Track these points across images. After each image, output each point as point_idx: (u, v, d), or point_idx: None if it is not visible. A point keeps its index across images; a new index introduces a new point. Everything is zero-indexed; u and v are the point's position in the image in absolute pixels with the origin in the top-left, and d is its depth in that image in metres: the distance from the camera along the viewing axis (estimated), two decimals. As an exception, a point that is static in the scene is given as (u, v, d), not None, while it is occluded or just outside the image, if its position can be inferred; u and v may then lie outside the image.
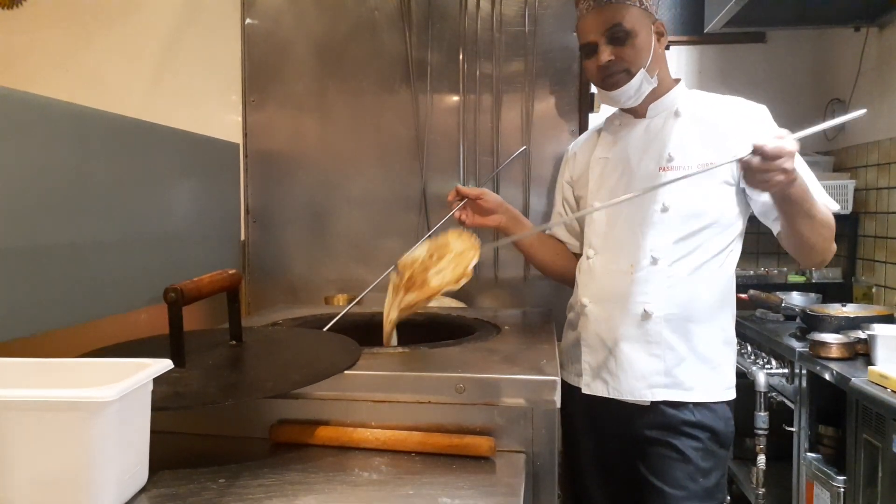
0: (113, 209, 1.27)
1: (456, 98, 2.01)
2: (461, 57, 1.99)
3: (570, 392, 1.53)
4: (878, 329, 2.03)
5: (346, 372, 1.07)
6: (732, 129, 1.42)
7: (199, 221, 1.60)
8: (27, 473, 0.80)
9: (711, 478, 1.43)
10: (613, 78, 1.43)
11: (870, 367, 1.91)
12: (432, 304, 1.88)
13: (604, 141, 1.58)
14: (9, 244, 1.03)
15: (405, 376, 1.10)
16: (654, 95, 1.49)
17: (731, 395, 1.47)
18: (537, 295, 1.98)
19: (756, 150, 1.16)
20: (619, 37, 1.41)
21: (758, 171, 1.17)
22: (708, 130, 1.44)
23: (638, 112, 1.52)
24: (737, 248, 1.49)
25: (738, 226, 1.47)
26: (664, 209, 1.42)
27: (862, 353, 2.11)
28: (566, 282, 1.66)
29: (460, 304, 1.89)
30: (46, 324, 1.10)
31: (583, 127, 1.99)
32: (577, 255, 1.62)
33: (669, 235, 1.43)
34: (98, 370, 0.91)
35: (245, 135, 2.06)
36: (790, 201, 1.30)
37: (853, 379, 1.92)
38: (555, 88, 1.99)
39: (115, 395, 0.79)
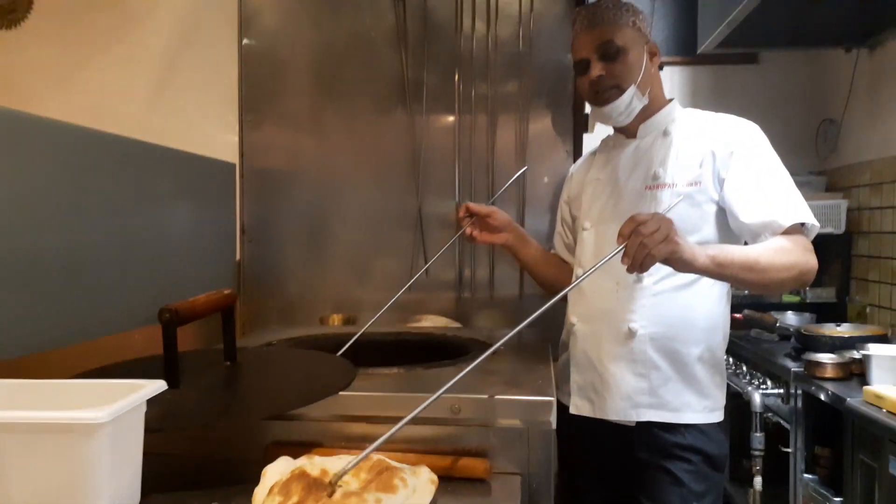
0: (109, 229, 1.27)
1: (452, 118, 2.02)
2: (457, 77, 2.01)
3: (564, 412, 1.51)
4: (873, 349, 2.03)
5: (340, 393, 1.07)
6: (719, 143, 1.42)
7: (194, 241, 1.60)
8: (20, 495, 0.79)
9: (705, 501, 1.42)
10: (604, 94, 1.45)
11: (865, 388, 1.91)
12: (427, 323, 1.89)
13: (597, 162, 1.60)
14: (4, 264, 1.03)
15: (400, 397, 1.09)
16: (645, 115, 1.50)
17: (717, 417, 1.45)
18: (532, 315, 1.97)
19: (624, 232, 1.18)
20: (611, 53, 1.43)
21: (637, 249, 1.17)
22: (695, 148, 1.44)
23: (629, 132, 1.53)
24: None
25: (724, 242, 1.43)
26: None
27: (857, 373, 2.10)
28: None
29: (455, 324, 1.89)
30: (41, 344, 1.09)
31: (577, 147, 2.01)
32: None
33: None
34: (91, 391, 0.91)
35: (241, 154, 2.06)
36: (719, 264, 1.26)
37: (848, 399, 1.92)
38: (550, 108, 2.00)
39: (108, 416, 0.79)
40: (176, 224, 1.53)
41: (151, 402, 0.89)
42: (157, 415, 0.92)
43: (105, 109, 2.27)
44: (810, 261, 1.34)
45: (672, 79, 3.39)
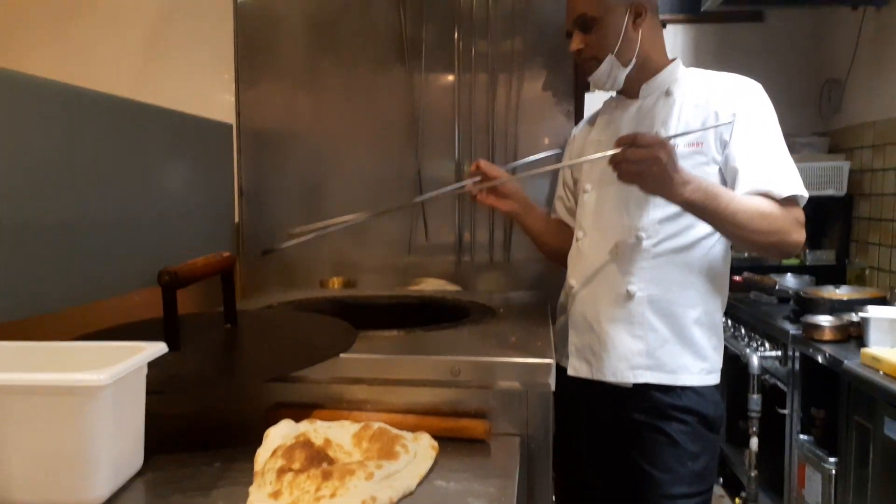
0: (104, 190, 1.26)
1: (451, 76, 1.99)
2: (456, 35, 1.97)
3: (563, 375, 1.52)
4: (872, 311, 2.04)
5: (341, 355, 1.07)
6: (722, 104, 1.41)
7: (192, 203, 1.59)
8: (22, 457, 0.80)
9: (700, 461, 1.44)
10: (584, 64, 1.49)
11: (862, 350, 1.92)
12: (427, 286, 1.89)
13: (599, 123, 1.59)
14: (-1, 226, 1.02)
15: (401, 359, 1.10)
16: (646, 76, 1.49)
17: (713, 379, 1.46)
18: (532, 277, 1.97)
19: (623, 141, 1.21)
20: (585, 25, 1.45)
21: (630, 161, 1.19)
22: (697, 107, 1.44)
23: (631, 93, 1.52)
24: None
25: None
26: None
27: (855, 335, 2.12)
28: None
29: (455, 287, 1.89)
30: (39, 307, 1.09)
31: (579, 107, 1.98)
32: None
33: (655, 214, 1.42)
34: (92, 354, 0.91)
35: (238, 114, 2.03)
36: (696, 207, 1.28)
37: (846, 361, 1.93)
38: (551, 67, 1.97)
39: (110, 378, 0.79)
40: (173, 185, 1.51)
41: (152, 365, 0.89)
42: (159, 377, 0.92)
43: (97, 68, 2.23)
44: (793, 234, 1.35)
45: (675, 37, 3.33)
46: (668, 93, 1.48)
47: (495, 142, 1.98)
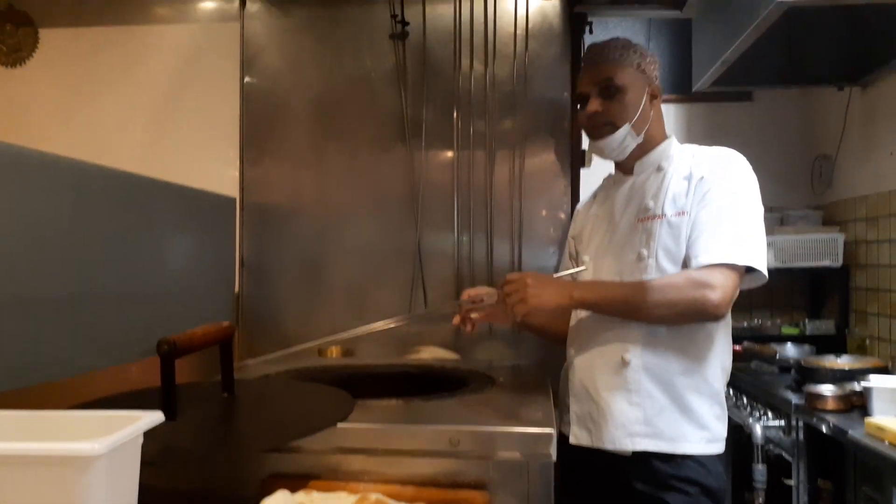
0: (109, 262, 1.28)
1: (450, 154, 2.05)
2: (455, 115, 2.04)
3: (565, 443, 1.51)
4: (874, 381, 2.02)
5: (339, 425, 1.06)
6: (708, 175, 1.45)
7: (194, 274, 1.60)
8: (12, 529, 0.78)
9: None
10: (599, 129, 1.51)
11: (866, 420, 1.89)
12: (426, 354, 1.88)
13: (598, 199, 1.66)
14: (3, 296, 1.03)
15: (399, 429, 1.09)
16: (642, 152, 1.54)
17: (715, 448, 1.44)
18: (532, 347, 1.97)
19: (499, 286, 1.39)
20: (609, 91, 1.49)
21: (509, 295, 1.36)
22: (682, 179, 1.48)
23: (626, 169, 1.58)
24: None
25: None
26: (640, 258, 1.46)
27: (858, 405, 2.09)
28: None
29: (453, 356, 1.89)
30: (39, 376, 1.09)
31: (575, 181, 2.03)
32: None
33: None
34: (88, 423, 0.90)
35: (242, 189, 2.08)
36: (587, 304, 1.42)
37: (850, 431, 1.90)
38: (548, 144, 2.03)
39: (105, 448, 0.78)
40: (176, 257, 1.53)
41: (148, 435, 0.88)
42: (155, 447, 0.91)
43: (107, 145, 2.30)
44: (698, 297, 1.35)
45: (667, 115, 3.41)
46: (659, 168, 1.53)
47: (493, 215, 2.02)
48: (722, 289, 1.35)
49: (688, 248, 1.42)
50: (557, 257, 1.96)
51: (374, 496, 0.94)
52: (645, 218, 1.48)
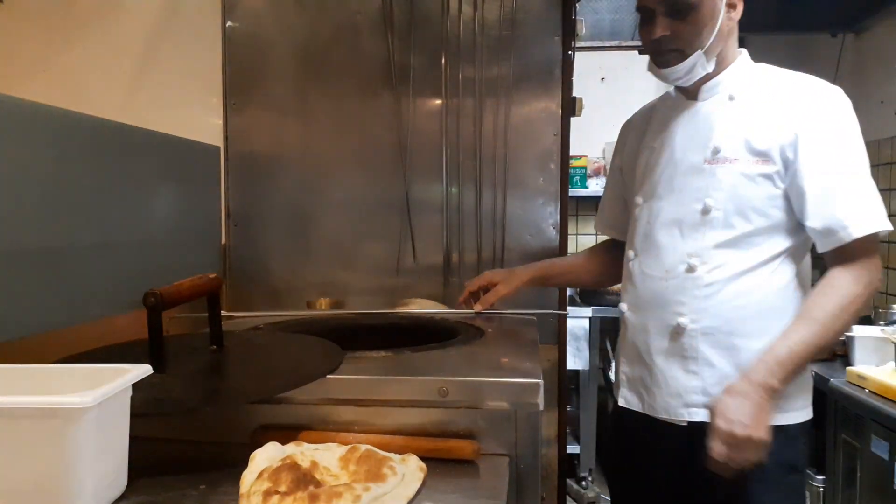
0: (92, 213, 1.26)
1: (438, 102, 2.01)
2: (443, 61, 1.99)
3: (615, 406, 1.43)
4: (857, 330, 2.05)
5: (329, 376, 1.06)
6: (799, 115, 1.22)
7: (179, 225, 1.58)
8: (3, 480, 0.78)
9: None
10: (664, 56, 1.28)
11: (848, 368, 1.93)
12: (415, 307, 1.89)
13: (654, 124, 1.41)
14: (-16, 248, 1.01)
15: (388, 380, 1.09)
16: (709, 75, 1.31)
17: (793, 418, 1.28)
18: (521, 298, 1.98)
19: (713, 455, 1.15)
20: (678, 9, 1.23)
21: (734, 455, 1.15)
22: (766, 117, 1.24)
23: (689, 92, 1.34)
24: (798, 252, 1.30)
25: (794, 226, 1.27)
26: (705, 210, 1.27)
27: (841, 354, 2.13)
28: None
29: (443, 308, 1.89)
30: (24, 329, 1.08)
31: (565, 131, 1.99)
32: None
33: (710, 239, 1.27)
34: (76, 376, 0.90)
35: (226, 138, 2.04)
36: (794, 375, 1.21)
37: (832, 380, 1.94)
38: (537, 92, 1.99)
39: (93, 401, 0.78)
40: (161, 208, 1.51)
41: (137, 387, 0.88)
42: (143, 399, 0.91)
43: (86, 93, 2.23)
44: (864, 291, 1.20)
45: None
46: (731, 97, 1.30)
47: (482, 165, 1.99)
48: (877, 267, 1.22)
49: (811, 209, 1.21)
50: (549, 209, 1.95)
51: (363, 447, 0.95)
52: (714, 161, 1.27)
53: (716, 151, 1.27)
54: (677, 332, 1.29)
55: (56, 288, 1.16)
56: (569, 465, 1.46)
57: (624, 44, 3.78)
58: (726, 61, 1.31)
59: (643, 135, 1.43)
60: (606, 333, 3.35)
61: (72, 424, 0.78)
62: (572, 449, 3.25)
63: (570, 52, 1.95)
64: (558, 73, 1.98)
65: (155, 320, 1.03)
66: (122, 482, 0.89)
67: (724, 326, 1.27)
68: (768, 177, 1.25)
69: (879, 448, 1.76)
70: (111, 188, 1.31)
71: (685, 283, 1.28)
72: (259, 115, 2.05)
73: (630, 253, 1.40)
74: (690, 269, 1.28)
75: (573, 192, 3.30)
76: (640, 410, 1.36)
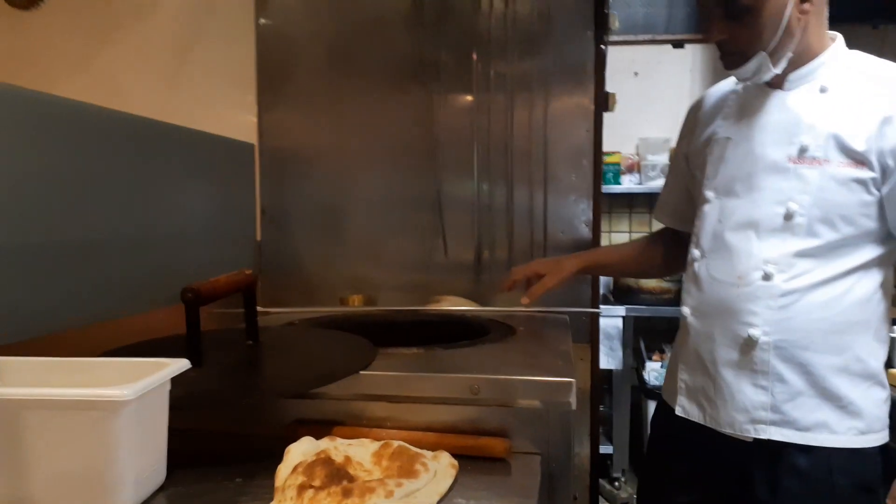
0: (130, 209, 1.28)
1: (469, 97, 2.00)
2: (474, 56, 1.98)
3: (665, 411, 1.36)
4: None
5: (361, 372, 1.07)
6: (893, 110, 1.11)
7: (215, 222, 1.61)
8: (46, 471, 0.81)
9: None
10: (725, 58, 1.20)
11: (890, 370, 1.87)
12: (446, 304, 1.89)
13: (729, 111, 1.28)
14: (28, 242, 1.04)
15: (420, 377, 1.10)
16: (797, 64, 1.18)
17: (873, 441, 1.17)
18: (553, 295, 1.96)
19: None
20: (736, 11, 1.13)
21: None
22: (863, 114, 1.12)
23: (774, 82, 1.21)
24: (884, 262, 1.20)
25: (883, 235, 1.18)
26: (788, 215, 1.16)
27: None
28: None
29: (474, 305, 1.89)
30: (65, 323, 1.11)
31: (598, 126, 1.97)
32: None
33: (790, 247, 1.16)
34: (116, 369, 0.92)
35: (259, 135, 2.07)
36: None
37: None
38: (569, 87, 1.97)
39: (134, 394, 0.80)
40: (197, 204, 1.54)
41: (175, 381, 0.90)
42: (182, 393, 0.93)
43: (123, 91, 2.28)
44: None
45: (694, 57, 3.33)
46: (822, 89, 1.17)
47: (514, 161, 1.98)
48: None
49: None
50: (581, 206, 1.93)
51: (396, 443, 0.95)
52: (800, 160, 1.15)
53: (803, 150, 1.15)
54: (748, 345, 1.18)
55: (95, 283, 1.19)
56: (601, 466, 1.41)
57: (657, 38, 3.72)
58: (814, 49, 1.19)
59: (715, 122, 1.30)
60: (640, 333, 3.31)
61: (113, 416, 0.80)
62: (605, 449, 3.23)
63: (602, 47, 1.93)
64: (591, 68, 1.96)
65: (193, 315, 1.04)
66: (161, 473, 0.91)
67: (800, 341, 1.17)
68: (862, 182, 1.13)
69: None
70: (149, 185, 1.34)
71: (759, 291, 1.18)
72: (291, 112, 2.07)
73: (696, 252, 1.29)
74: (766, 278, 1.17)
75: (606, 188, 3.27)
76: (702, 422, 1.26)
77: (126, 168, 1.27)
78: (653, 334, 3.32)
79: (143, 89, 2.30)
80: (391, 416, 1.07)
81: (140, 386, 0.81)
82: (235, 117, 2.19)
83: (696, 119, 1.37)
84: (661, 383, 1.45)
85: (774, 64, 1.16)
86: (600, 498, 3.06)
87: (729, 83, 1.34)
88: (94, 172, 1.19)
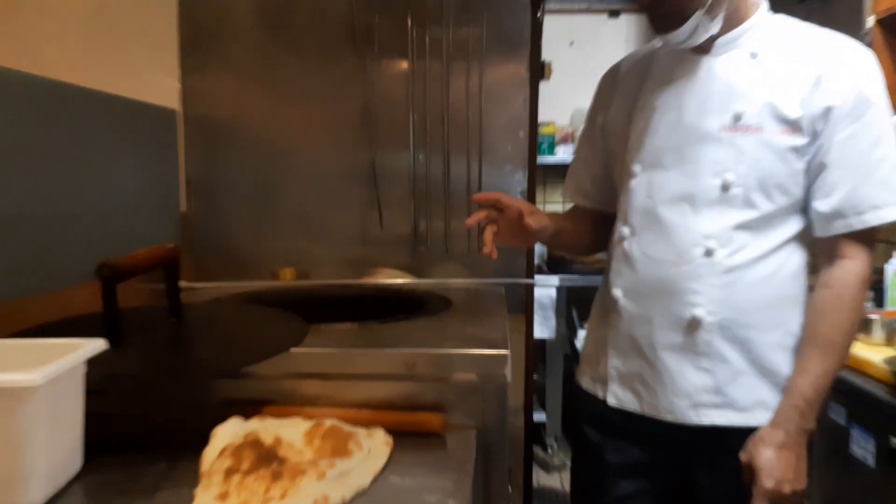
0: (43, 179, 1.20)
1: (405, 65, 1.96)
2: (409, 21, 1.94)
3: (590, 401, 1.29)
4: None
5: (293, 350, 1.04)
6: (832, 83, 1.08)
7: (136, 192, 1.53)
8: (-52, 464, 0.75)
9: None
10: (657, 22, 1.12)
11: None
12: (382, 277, 1.86)
13: (654, 80, 1.21)
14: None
15: (355, 353, 1.07)
16: (725, 29, 1.13)
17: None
18: (490, 268, 1.97)
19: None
20: None
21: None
22: (794, 80, 1.09)
23: (700, 47, 1.15)
24: (808, 235, 1.17)
25: (806, 205, 1.16)
26: (725, 185, 1.11)
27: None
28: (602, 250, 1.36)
29: (410, 278, 1.88)
30: (-31, 302, 1.03)
31: (534, 96, 1.96)
32: (606, 215, 1.34)
33: (729, 219, 1.12)
34: (26, 351, 0.86)
35: (183, 101, 1.97)
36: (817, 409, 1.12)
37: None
38: (507, 55, 1.95)
39: (43, 378, 0.74)
40: (115, 174, 1.45)
41: (92, 363, 0.85)
42: (99, 375, 0.88)
43: (34, 53, 2.12)
44: (865, 294, 1.12)
45: (629, 28, 3.36)
46: (752, 54, 1.13)
47: (450, 131, 1.95)
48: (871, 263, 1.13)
49: (828, 188, 1.09)
50: (517, 177, 1.93)
51: (328, 422, 0.93)
52: (734, 128, 1.11)
53: (737, 118, 1.11)
54: (692, 326, 1.13)
55: (5, 259, 1.11)
56: (535, 434, 1.41)
57: (593, 7, 3.73)
58: (741, 13, 1.14)
59: (637, 91, 1.23)
60: (573, 302, 3.38)
61: (20, 404, 0.75)
62: (538, 417, 3.30)
63: (538, 15, 1.91)
64: (527, 36, 1.93)
65: (109, 292, 0.98)
66: (77, 462, 0.86)
67: (741, 318, 1.13)
68: (796, 150, 1.10)
69: (837, 413, 1.81)
70: (63, 153, 1.25)
71: (701, 269, 1.12)
72: (218, 78, 1.97)
73: (625, 230, 1.22)
74: (708, 254, 1.12)
75: (541, 159, 3.28)
76: (638, 411, 1.20)
77: (37, 136, 1.18)
78: (585, 303, 3.39)
79: (56, 51, 2.15)
80: (324, 394, 1.04)
81: (51, 370, 0.76)
82: (156, 81, 2.07)
83: (612, 90, 1.30)
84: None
85: (712, 21, 1.10)
86: (534, 465, 3.13)
87: (645, 51, 1.29)
88: (3, 140, 1.10)
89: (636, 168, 1.20)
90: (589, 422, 1.31)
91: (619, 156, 1.26)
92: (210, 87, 1.97)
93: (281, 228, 1.97)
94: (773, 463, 1.08)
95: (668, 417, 1.17)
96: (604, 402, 1.25)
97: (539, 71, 1.96)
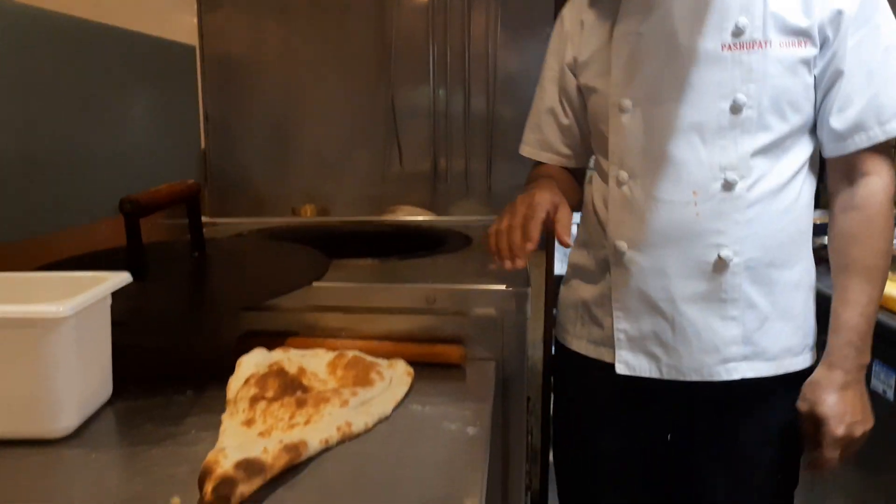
0: (64, 117, 1.20)
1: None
2: (429, -48, 1.87)
3: (582, 367, 1.18)
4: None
5: (315, 284, 1.05)
6: None
7: (155, 129, 1.53)
8: (-18, 393, 0.78)
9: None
10: None
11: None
12: (402, 214, 1.86)
13: (631, 6, 1.06)
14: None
15: (376, 287, 1.08)
16: None
17: (812, 359, 1.11)
18: (507, 204, 1.95)
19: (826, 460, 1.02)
20: None
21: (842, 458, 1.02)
22: None
23: None
24: (817, 158, 1.10)
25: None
26: (735, 107, 1.00)
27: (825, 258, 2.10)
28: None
29: (430, 215, 1.87)
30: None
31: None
32: (576, 171, 1.24)
33: (744, 146, 1.01)
34: (53, 284, 0.88)
35: (201, 37, 1.94)
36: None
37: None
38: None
39: (70, 310, 0.76)
40: (135, 111, 1.45)
41: (117, 296, 0.86)
42: (125, 308, 0.90)
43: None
44: (890, 210, 1.03)
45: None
46: None
47: (471, 68, 1.91)
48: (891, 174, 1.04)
49: (844, 116, 1.01)
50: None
51: (351, 352, 0.94)
52: (737, 45, 0.99)
53: (738, 32, 0.99)
54: (718, 270, 1.03)
55: (29, 195, 1.12)
56: (553, 365, 1.41)
57: (620, -63, 3.58)
58: None
59: (610, 19, 1.08)
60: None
61: (49, 334, 0.76)
62: (558, 351, 3.32)
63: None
64: (550, -35, 1.87)
65: (133, 227, 0.99)
66: (107, 389, 0.89)
67: (765, 256, 1.04)
68: (806, 62, 1.00)
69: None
70: (83, 90, 1.25)
71: (723, 205, 1.02)
72: (235, 14, 1.94)
73: (622, 174, 1.08)
74: (728, 187, 1.02)
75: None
76: (656, 375, 1.08)
77: (59, 72, 1.18)
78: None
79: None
80: (346, 327, 1.05)
81: (77, 301, 0.78)
82: (174, 17, 2.04)
83: (576, 23, 1.15)
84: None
85: None
86: (552, 395, 3.17)
87: None
88: (21, 79, 1.10)
89: (626, 103, 1.06)
90: (582, 389, 1.22)
91: (598, 93, 1.11)
92: (227, 23, 1.94)
93: (300, 165, 1.97)
94: (841, 407, 1.01)
95: (694, 377, 1.06)
96: (604, 368, 1.13)
97: (563, 4, 1.89)
